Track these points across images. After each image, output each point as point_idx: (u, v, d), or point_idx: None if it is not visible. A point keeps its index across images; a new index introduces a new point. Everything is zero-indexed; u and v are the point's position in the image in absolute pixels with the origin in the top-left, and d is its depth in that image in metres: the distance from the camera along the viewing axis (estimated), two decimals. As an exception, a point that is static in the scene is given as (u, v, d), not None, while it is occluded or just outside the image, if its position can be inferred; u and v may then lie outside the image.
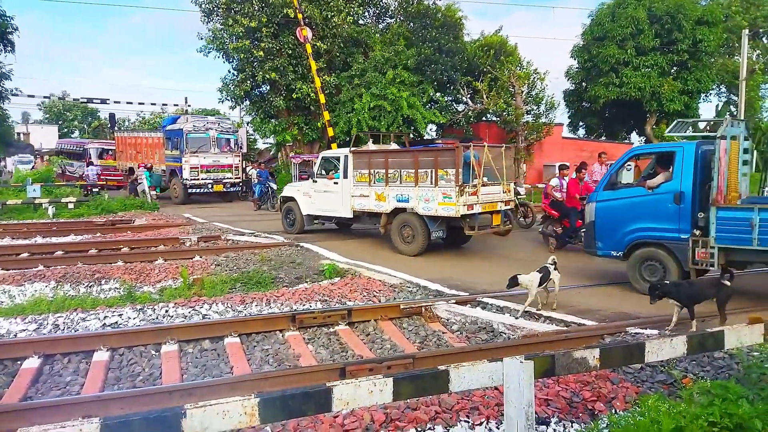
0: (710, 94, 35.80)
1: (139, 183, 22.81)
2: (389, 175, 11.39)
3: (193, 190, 22.13)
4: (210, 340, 5.99)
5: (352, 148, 12.81)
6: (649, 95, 28.69)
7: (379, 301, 7.46)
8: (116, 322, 6.56)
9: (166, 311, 6.93)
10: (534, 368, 3.17)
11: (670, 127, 8.54)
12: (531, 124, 26.56)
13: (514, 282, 6.85)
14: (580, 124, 37.23)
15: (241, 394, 2.78)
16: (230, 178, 23.07)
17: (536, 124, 26.69)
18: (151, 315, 6.81)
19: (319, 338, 6.22)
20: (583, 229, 9.60)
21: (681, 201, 7.60)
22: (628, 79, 28.29)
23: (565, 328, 6.35)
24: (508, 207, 11.74)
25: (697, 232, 7.44)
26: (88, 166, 30.71)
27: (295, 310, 6.92)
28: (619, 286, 8.59)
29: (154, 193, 22.21)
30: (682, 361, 4.91)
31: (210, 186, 22.31)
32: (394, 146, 14.32)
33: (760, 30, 30.64)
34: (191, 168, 21.81)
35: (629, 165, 9.95)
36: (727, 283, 6.04)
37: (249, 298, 7.41)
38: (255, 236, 13.36)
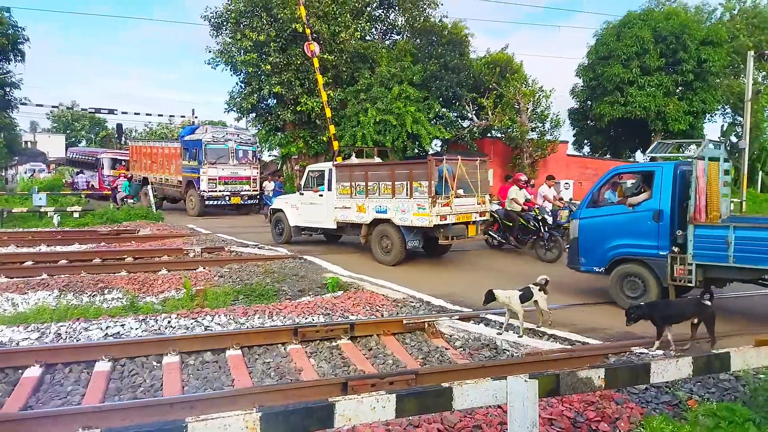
0: (715, 114, 35.88)
1: (119, 192, 23.52)
2: (369, 188, 11.86)
3: (210, 202, 21.64)
4: (212, 352, 5.97)
5: (336, 162, 13.66)
6: (654, 115, 28.77)
7: (382, 316, 7.43)
8: (118, 333, 6.55)
9: (169, 322, 6.91)
10: (539, 387, 3.14)
11: (651, 147, 8.83)
12: (536, 142, 26.64)
13: (490, 297, 6.69)
14: (585, 142, 37.33)
15: (242, 408, 2.76)
16: (248, 191, 22.65)
17: (541, 141, 26.77)
18: (153, 326, 6.79)
19: (321, 352, 6.19)
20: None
21: (660, 219, 7.88)
22: (633, 98, 28.40)
23: (569, 347, 6.31)
24: (484, 218, 12.31)
25: (676, 249, 7.68)
26: (77, 174, 31.10)
27: (298, 323, 6.90)
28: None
29: (132, 201, 22.69)
30: (687, 382, 4.85)
31: (227, 198, 21.95)
32: (377, 160, 14.69)
33: (766, 51, 30.73)
34: (209, 179, 21.33)
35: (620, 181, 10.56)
36: (708, 303, 5.91)
37: (251, 311, 7.39)
38: (259, 248, 13.36)
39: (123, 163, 29.64)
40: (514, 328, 6.75)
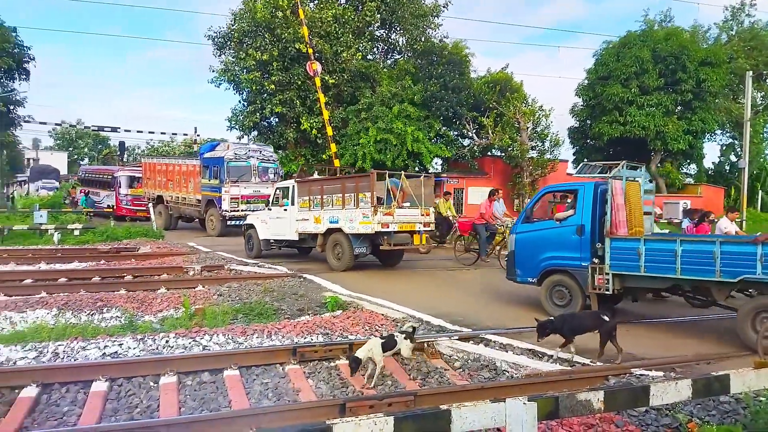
0: (715, 134, 36.07)
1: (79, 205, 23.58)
2: (324, 200, 13.23)
3: (232, 222, 20.35)
4: (209, 372, 5.93)
5: (297, 179, 15.10)
6: (653, 134, 28.91)
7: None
8: (116, 352, 6.51)
9: (167, 341, 6.88)
10: (538, 410, 3.12)
11: (579, 167, 9.82)
12: (536, 160, 26.73)
13: (356, 363, 5.64)
14: (585, 161, 37.46)
15: (239, 429, 2.75)
16: None
17: (541, 160, 26.87)
18: (151, 345, 6.76)
19: (319, 372, 6.15)
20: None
21: (582, 233, 8.60)
22: (632, 117, 28.56)
23: (569, 368, 6.27)
24: (428, 229, 13.47)
25: (596, 261, 8.33)
26: (79, 193, 30.74)
27: (297, 342, 6.86)
28: (625, 325, 8.50)
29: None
30: (687, 404, 4.82)
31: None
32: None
33: (764, 72, 31.00)
34: (231, 198, 20.23)
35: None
36: (606, 318, 6.37)
37: (250, 330, 7.36)
38: (259, 266, 13.35)
39: (141, 180, 28.17)
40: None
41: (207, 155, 21.73)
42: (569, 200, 10.37)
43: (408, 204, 13.00)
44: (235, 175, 20.48)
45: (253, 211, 19.57)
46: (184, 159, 25.20)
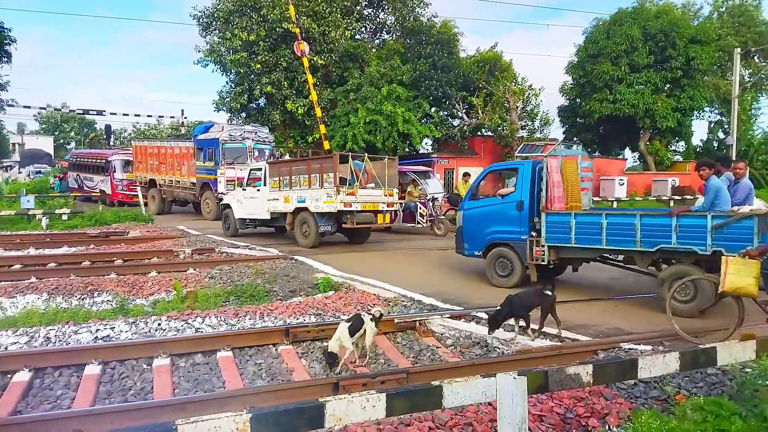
0: (704, 111, 36.22)
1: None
2: (292, 181, 13.97)
3: None
4: (202, 354, 5.94)
5: (269, 160, 15.78)
6: (642, 112, 28.99)
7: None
8: (108, 336, 6.51)
9: (159, 324, 6.88)
10: (527, 384, 3.16)
11: (520, 147, 10.38)
12: (526, 139, 26.74)
13: (332, 360, 5.57)
14: (575, 139, 37.51)
15: (233, 409, 2.77)
16: None
17: (531, 139, 26.89)
18: (143, 328, 6.76)
19: (312, 352, 6.18)
20: None
21: (521, 208, 9.29)
22: (621, 95, 28.60)
23: (558, 344, 6.34)
24: (392, 209, 14.33)
25: (534, 234, 9.04)
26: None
27: (289, 323, 6.89)
28: (614, 301, 8.62)
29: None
30: (675, 377, 4.91)
31: None
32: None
33: (752, 50, 31.06)
34: (227, 181, 19.57)
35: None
36: (549, 293, 6.42)
37: (242, 312, 7.37)
38: (250, 249, 13.34)
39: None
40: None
41: (201, 137, 21.23)
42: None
43: (372, 185, 13.77)
44: (231, 157, 19.97)
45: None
46: (177, 141, 24.47)
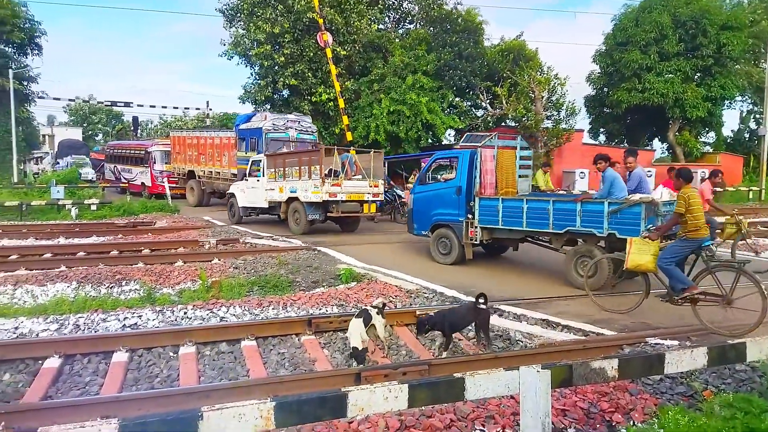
0: (735, 101, 35.23)
1: None
2: (285, 173, 14.95)
3: None
4: (227, 342, 6.03)
5: (267, 153, 16.50)
6: (672, 101, 28.31)
7: (395, 307, 7.44)
8: (136, 324, 6.64)
9: (185, 313, 7.00)
10: (551, 378, 3.14)
11: (464, 137, 11.35)
12: (551, 130, 26.36)
13: (359, 352, 5.53)
14: (601, 130, 36.87)
15: (257, 398, 2.80)
16: None
17: (556, 129, 26.49)
18: (169, 317, 6.88)
19: (335, 343, 6.23)
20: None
21: (460, 193, 10.28)
22: (650, 84, 27.95)
23: (583, 338, 6.28)
24: (377, 199, 15.00)
25: (470, 216, 10.07)
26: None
27: (312, 314, 6.94)
28: (639, 295, 8.47)
29: None
30: (702, 373, 4.81)
31: None
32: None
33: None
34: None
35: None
36: (483, 306, 5.92)
37: (266, 302, 7.45)
38: (273, 239, 13.45)
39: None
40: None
41: (243, 126, 20.44)
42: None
43: (359, 177, 14.66)
44: (274, 148, 18.79)
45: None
46: (217, 131, 23.70)
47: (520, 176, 10.84)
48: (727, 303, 6.43)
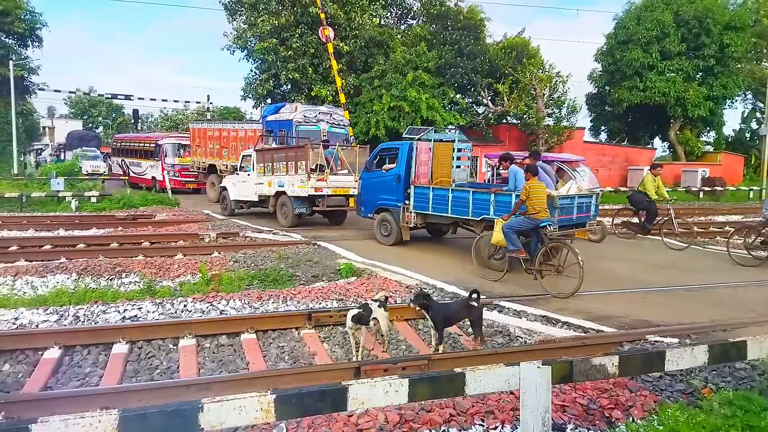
0: (736, 100, 35.19)
1: None
2: (274, 167, 15.23)
3: None
4: (227, 335, 6.03)
5: (257, 147, 16.67)
6: (673, 100, 28.29)
7: (395, 302, 7.44)
8: (135, 316, 6.64)
9: (185, 306, 6.99)
10: (552, 374, 3.14)
11: (406, 130, 12.26)
12: (552, 128, 26.35)
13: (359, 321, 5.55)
14: (602, 128, 36.87)
15: (256, 390, 2.79)
16: None
17: (557, 127, 26.48)
18: (169, 309, 6.88)
19: (334, 337, 6.23)
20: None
21: (399, 181, 11.37)
22: (652, 83, 27.93)
23: (583, 334, 6.28)
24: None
25: (407, 202, 11.23)
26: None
27: (312, 308, 6.94)
28: (640, 293, 8.48)
29: None
30: (702, 370, 4.82)
31: None
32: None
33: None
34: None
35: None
36: (475, 304, 5.83)
37: (266, 295, 7.45)
38: (273, 234, 13.45)
39: (188, 149, 24.86)
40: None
41: (271, 118, 19.28)
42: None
43: (345, 171, 14.80)
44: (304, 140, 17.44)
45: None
46: (243, 123, 22.66)
47: (457, 167, 11.94)
48: (557, 271, 8.19)
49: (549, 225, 8.80)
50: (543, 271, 8.33)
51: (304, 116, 18.42)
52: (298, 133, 17.65)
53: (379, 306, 5.68)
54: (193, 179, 24.10)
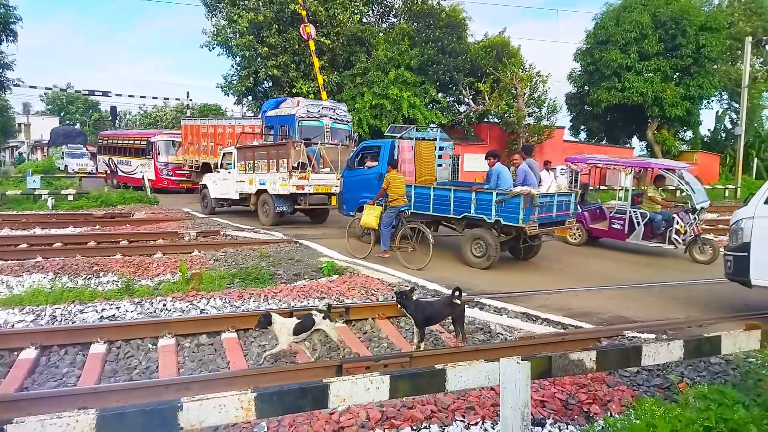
0: (712, 100, 35.84)
1: None
2: (255, 165, 15.12)
3: None
4: (207, 334, 5.98)
5: (238, 145, 16.57)
6: (651, 100, 28.71)
7: (377, 300, 7.45)
8: (114, 315, 6.55)
9: (164, 305, 6.92)
10: (531, 369, 3.17)
11: (388, 128, 12.66)
12: (532, 127, 26.60)
13: (267, 321, 5.32)
14: (582, 127, 37.30)
15: (237, 389, 2.78)
16: None
17: (537, 126, 26.74)
18: (148, 308, 6.80)
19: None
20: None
21: (381, 179, 10.95)
22: (630, 83, 28.32)
23: (562, 330, 6.36)
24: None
25: None
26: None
27: (293, 306, 6.91)
28: (619, 289, 8.61)
29: None
30: (678, 365, 4.91)
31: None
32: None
33: (763, 38, 30.66)
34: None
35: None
36: (458, 301, 5.80)
37: (247, 294, 7.40)
38: (255, 232, 13.36)
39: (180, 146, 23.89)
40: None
41: (271, 113, 18.43)
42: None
43: (327, 169, 14.65)
44: (307, 136, 16.65)
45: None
46: (239, 119, 21.88)
47: (439, 165, 12.15)
48: (413, 249, 9.73)
49: (406, 209, 10.12)
50: (401, 248, 9.91)
51: (307, 111, 17.47)
52: (300, 129, 16.84)
53: (323, 317, 5.32)
54: (187, 179, 23.05)
